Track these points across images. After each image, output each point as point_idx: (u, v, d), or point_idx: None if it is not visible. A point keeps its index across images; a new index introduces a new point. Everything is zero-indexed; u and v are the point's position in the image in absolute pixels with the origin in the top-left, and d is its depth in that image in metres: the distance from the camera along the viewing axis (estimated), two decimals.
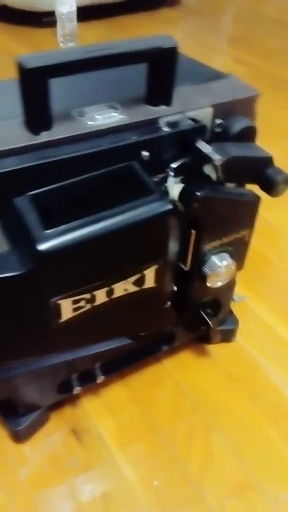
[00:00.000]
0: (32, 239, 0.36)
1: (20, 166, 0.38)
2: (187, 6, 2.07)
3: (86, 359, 0.52)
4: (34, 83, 0.38)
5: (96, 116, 0.43)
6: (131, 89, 0.47)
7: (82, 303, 0.42)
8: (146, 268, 0.43)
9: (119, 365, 0.58)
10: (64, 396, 0.55)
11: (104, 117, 0.43)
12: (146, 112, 0.44)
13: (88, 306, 0.43)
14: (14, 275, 0.37)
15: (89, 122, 0.43)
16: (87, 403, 0.59)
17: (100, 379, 0.55)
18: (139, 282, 0.44)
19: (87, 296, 0.42)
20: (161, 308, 0.51)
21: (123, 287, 0.43)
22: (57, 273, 0.38)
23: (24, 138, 0.40)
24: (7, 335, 0.41)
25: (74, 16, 1.50)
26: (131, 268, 0.42)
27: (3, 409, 0.54)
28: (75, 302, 0.41)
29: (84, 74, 0.40)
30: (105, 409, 0.59)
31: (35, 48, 1.55)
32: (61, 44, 1.56)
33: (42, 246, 0.36)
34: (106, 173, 0.41)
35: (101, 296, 0.43)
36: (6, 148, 0.39)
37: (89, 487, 0.52)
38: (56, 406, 0.57)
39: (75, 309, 0.42)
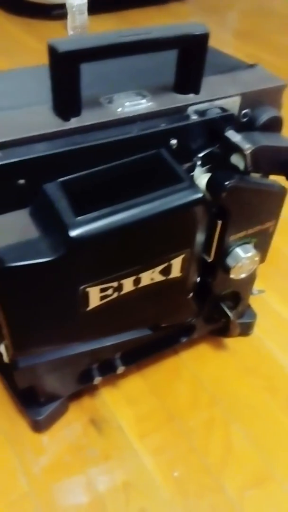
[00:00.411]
0: (64, 225, 0.36)
1: (50, 152, 0.38)
2: (196, 0, 2.06)
3: (107, 349, 0.52)
4: (66, 68, 0.37)
5: (125, 103, 0.43)
6: (158, 76, 0.47)
7: (109, 292, 0.42)
8: (173, 258, 0.43)
9: (139, 356, 0.58)
10: (85, 385, 0.55)
11: (133, 104, 0.43)
12: (175, 99, 0.44)
13: (115, 295, 0.43)
14: (45, 261, 0.36)
15: (118, 109, 0.42)
16: (105, 394, 0.59)
17: (120, 369, 0.55)
18: (166, 271, 0.44)
19: (115, 284, 0.42)
20: (184, 299, 0.51)
21: (150, 276, 0.43)
22: (87, 260, 0.38)
23: (54, 124, 0.40)
24: (34, 322, 0.41)
25: (85, 8, 1.49)
26: (159, 257, 0.42)
27: (24, 398, 0.54)
28: (103, 290, 0.41)
29: (110, 61, 0.40)
30: (124, 400, 0.59)
31: (46, 40, 1.54)
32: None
33: (74, 233, 0.36)
34: (135, 160, 0.41)
35: (128, 285, 0.42)
36: (36, 133, 0.39)
37: (109, 476, 0.52)
38: (75, 396, 0.57)
39: (102, 297, 0.42)
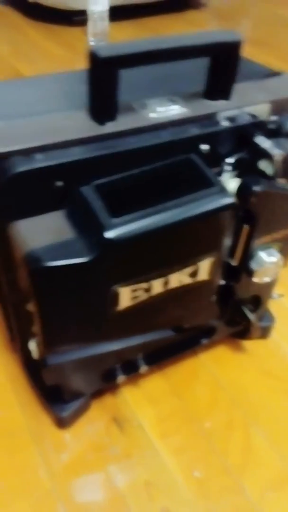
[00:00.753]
0: (100, 226, 0.37)
1: (87, 156, 0.39)
2: (212, 8, 2.08)
3: (132, 349, 0.53)
4: (106, 73, 0.39)
5: (157, 108, 0.44)
6: (188, 83, 0.48)
7: (139, 293, 0.43)
8: (202, 260, 0.44)
9: (161, 357, 0.59)
10: (108, 384, 0.56)
11: (165, 110, 0.44)
12: (206, 106, 0.45)
13: (145, 296, 0.44)
14: (80, 262, 0.38)
15: (151, 115, 0.43)
16: (127, 393, 0.60)
17: (143, 369, 0.56)
18: (194, 274, 0.45)
19: (145, 285, 0.43)
20: (208, 301, 0.52)
21: (179, 278, 0.44)
22: (121, 261, 0.39)
23: (91, 128, 0.41)
24: (66, 320, 0.42)
25: (106, 15, 1.51)
26: (189, 260, 0.43)
27: (49, 395, 0.55)
28: (133, 291, 0.42)
29: (141, 68, 0.41)
30: (145, 399, 0.60)
31: (68, 46, 1.57)
32: (91, 43, 1.58)
33: (109, 234, 0.37)
34: (167, 164, 0.42)
35: (157, 287, 0.43)
36: (74, 137, 0.40)
37: (130, 474, 0.53)
38: (98, 394, 0.58)
39: (132, 298, 0.43)
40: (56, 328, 0.43)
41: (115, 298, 0.42)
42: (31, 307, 0.44)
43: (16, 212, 0.40)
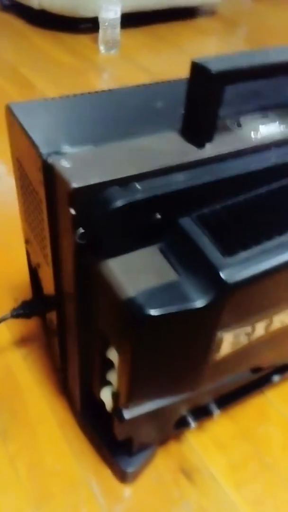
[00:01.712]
0: (212, 267, 0.32)
1: (191, 184, 0.34)
2: (221, 16, 2.05)
3: (208, 394, 0.48)
4: (215, 90, 0.33)
5: (255, 127, 0.39)
6: (273, 97, 0.43)
7: (242, 337, 0.37)
8: None
9: (232, 399, 0.53)
10: (179, 431, 0.50)
11: (266, 129, 0.39)
12: None
13: (246, 340, 0.38)
14: (190, 309, 0.32)
15: (251, 134, 0.38)
16: (192, 438, 0.54)
17: (216, 413, 0.50)
18: None
19: (249, 329, 0.37)
20: None
21: (282, 319, 0.39)
22: (234, 305, 0.34)
23: (189, 152, 0.36)
24: (156, 372, 0.37)
25: (118, 23, 1.47)
26: None
27: (112, 447, 0.49)
28: (236, 335, 0.37)
29: None
30: (213, 445, 0.54)
31: (76, 55, 1.52)
32: (102, 51, 1.53)
33: (226, 276, 0.32)
34: (274, 190, 0.37)
35: (260, 329, 0.38)
36: (172, 163, 0.35)
37: None
38: (161, 441, 0.52)
39: (234, 344, 0.37)
40: (145, 380, 0.37)
41: (217, 345, 0.36)
42: (113, 355, 0.39)
43: (108, 249, 0.34)
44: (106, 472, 0.51)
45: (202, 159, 0.35)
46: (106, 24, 1.46)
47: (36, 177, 0.37)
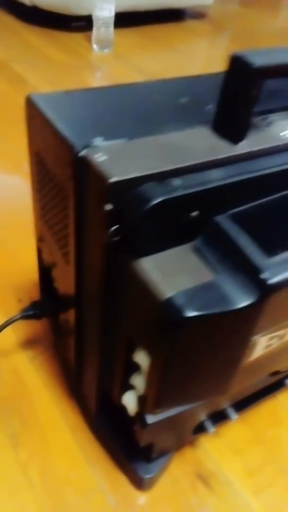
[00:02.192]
0: (255, 268, 0.31)
1: (228, 181, 0.33)
2: (211, 18, 2.05)
3: (228, 398, 0.46)
4: (255, 85, 0.32)
5: (285, 126, 0.38)
6: None
7: (274, 340, 0.36)
8: None
9: (249, 402, 0.52)
10: (196, 437, 0.49)
11: None
12: None
13: (277, 343, 0.37)
14: (230, 310, 0.31)
15: (282, 133, 0.37)
16: (207, 443, 0.53)
17: (234, 416, 0.49)
18: None
19: (282, 332, 0.36)
20: None
21: None
22: (273, 307, 0.33)
23: (224, 148, 0.35)
24: (186, 376, 0.35)
25: (112, 21, 1.45)
26: None
27: (130, 453, 0.47)
28: (269, 339, 0.36)
29: None
30: (228, 450, 0.53)
31: (69, 52, 1.49)
32: (95, 50, 1.51)
33: (270, 277, 0.30)
34: None
35: None
36: (206, 159, 0.33)
37: None
38: (179, 447, 0.51)
39: (266, 347, 0.36)
40: (176, 385, 0.36)
41: (251, 349, 0.35)
42: (140, 358, 0.37)
43: (141, 248, 0.33)
44: (121, 479, 0.49)
45: (237, 155, 0.34)
46: (100, 22, 1.44)
47: (63, 172, 0.35)
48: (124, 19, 1.63)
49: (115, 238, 0.33)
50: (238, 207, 0.34)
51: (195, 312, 0.30)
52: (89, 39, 1.54)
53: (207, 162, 0.33)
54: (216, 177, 0.33)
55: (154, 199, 0.30)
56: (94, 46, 1.50)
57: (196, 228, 0.34)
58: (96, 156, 0.32)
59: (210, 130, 0.36)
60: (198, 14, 2.04)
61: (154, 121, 0.38)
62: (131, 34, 1.69)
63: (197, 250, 0.34)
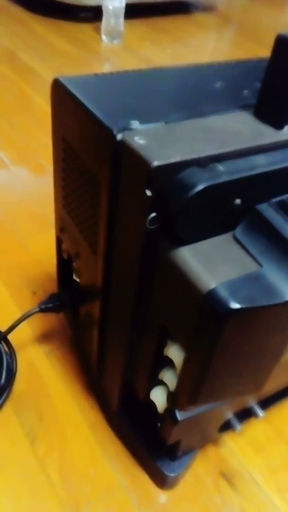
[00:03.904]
0: None
1: (274, 167, 0.31)
2: (220, 12, 2.03)
3: (257, 395, 0.45)
4: None
5: None
6: None
7: None
8: None
9: (275, 399, 0.51)
10: (222, 434, 0.48)
11: None
12: None
13: None
14: (279, 303, 0.29)
15: None
16: (230, 441, 0.52)
17: (261, 413, 0.48)
18: None
19: None
20: None
21: None
22: None
23: (267, 133, 0.33)
24: (227, 372, 0.34)
25: (122, 12, 1.43)
26: None
27: (154, 451, 0.46)
28: None
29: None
30: (251, 448, 0.52)
31: (78, 43, 1.47)
32: (105, 41, 1.49)
33: None
34: None
35: None
36: (251, 145, 0.32)
37: None
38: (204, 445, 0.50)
39: None
40: (213, 381, 0.34)
41: None
42: (173, 353, 0.36)
43: (181, 236, 0.31)
44: (143, 477, 0.48)
45: (282, 141, 0.33)
46: (110, 13, 1.42)
47: (96, 157, 0.34)
48: (133, 11, 1.61)
49: (154, 226, 0.31)
50: (280, 195, 0.33)
51: (241, 304, 0.28)
52: (97, 30, 1.52)
53: (252, 147, 0.32)
54: (260, 163, 0.31)
55: (198, 185, 0.29)
56: (104, 37, 1.48)
57: (237, 216, 0.32)
58: (135, 139, 0.30)
59: (250, 115, 0.35)
60: (206, 7, 2.02)
61: (190, 105, 0.36)
62: (140, 26, 1.66)
63: (237, 240, 0.32)
